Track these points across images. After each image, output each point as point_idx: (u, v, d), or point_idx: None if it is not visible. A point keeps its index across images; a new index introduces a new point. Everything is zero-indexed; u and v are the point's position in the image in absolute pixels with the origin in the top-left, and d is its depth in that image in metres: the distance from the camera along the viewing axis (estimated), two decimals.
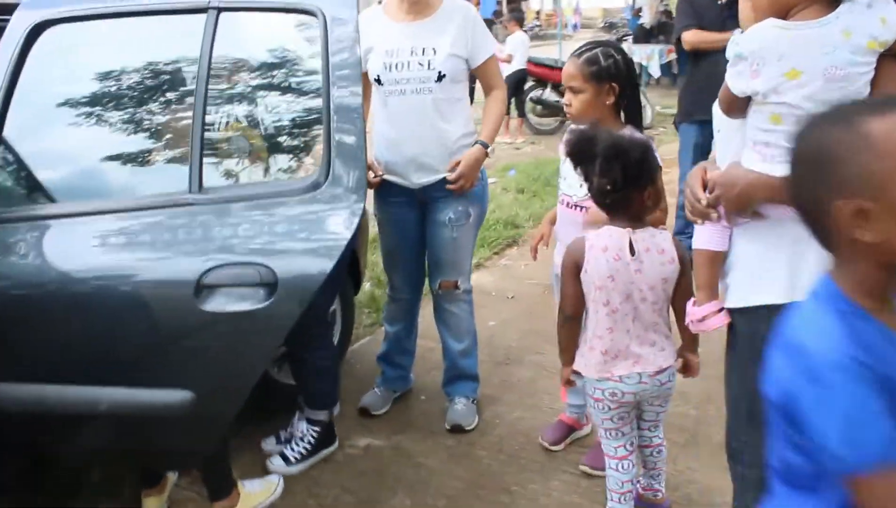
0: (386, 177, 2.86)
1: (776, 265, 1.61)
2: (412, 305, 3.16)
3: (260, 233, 1.99)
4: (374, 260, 4.46)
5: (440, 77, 2.75)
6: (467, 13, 2.83)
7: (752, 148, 1.60)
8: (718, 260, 1.77)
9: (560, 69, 9.78)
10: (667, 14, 14.97)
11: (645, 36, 14.34)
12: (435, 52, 2.75)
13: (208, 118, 2.05)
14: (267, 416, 2.94)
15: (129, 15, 2.18)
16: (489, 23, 13.51)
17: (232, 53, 2.21)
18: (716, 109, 1.74)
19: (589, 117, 2.32)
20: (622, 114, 2.41)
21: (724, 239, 1.75)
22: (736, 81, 1.57)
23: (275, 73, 2.32)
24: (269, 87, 2.31)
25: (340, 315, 3.29)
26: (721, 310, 1.76)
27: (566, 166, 2.43)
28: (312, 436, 2.80)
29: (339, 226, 1.98)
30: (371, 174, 2.75)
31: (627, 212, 2.07)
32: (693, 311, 1.83)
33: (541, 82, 9.51)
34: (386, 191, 2.91)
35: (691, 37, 4.32)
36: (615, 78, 2.34)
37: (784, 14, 1.52)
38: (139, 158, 2.21)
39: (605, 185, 2.00)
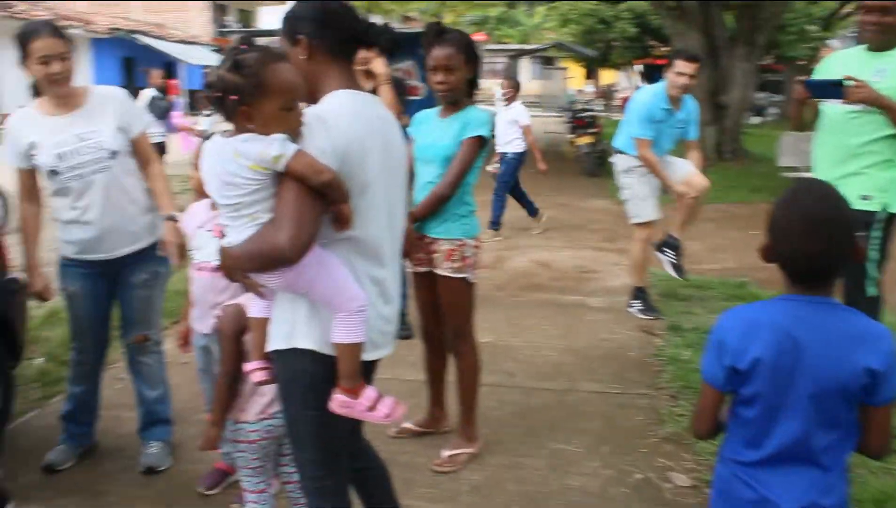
0: (74, 256, 3.12)
1: (279, 319, 1.98)
2: (97, 367, 3.41)
3: None
4: (46, 336, 4.47)
5: (113, 154, 3.04)
6: (116, 94, 3.18)
7: None
8: (263, 325, 2.06)
9: None
10: None
11: None
12: (99, 133, 3.02)
13: None
14: None
15: None
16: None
17: None
18: None
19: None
20: None
21: (262, 307, 2.08)
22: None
23: None
24: None
25: None
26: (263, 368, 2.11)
27: (201, 238, 2.77)
28: None
29: None
30: None
31: None
32: (246, 367, 2.20)
33: None
34: (75, 268, 3.16)
35: None
36: None
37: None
38: None
39: None
